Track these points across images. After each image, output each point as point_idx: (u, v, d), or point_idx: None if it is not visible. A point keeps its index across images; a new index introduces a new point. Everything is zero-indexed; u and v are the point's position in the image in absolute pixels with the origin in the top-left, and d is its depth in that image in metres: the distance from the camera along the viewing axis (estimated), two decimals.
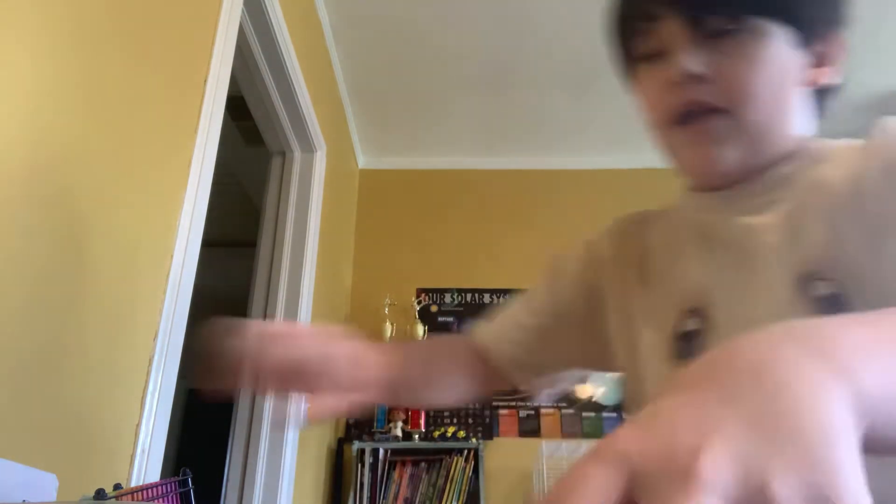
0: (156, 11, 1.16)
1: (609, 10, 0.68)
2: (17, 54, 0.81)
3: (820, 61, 0.61)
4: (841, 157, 0.59)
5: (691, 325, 0.60)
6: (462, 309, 3.01)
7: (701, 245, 0.63)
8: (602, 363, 0.74)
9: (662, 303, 0.64)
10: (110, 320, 1.01)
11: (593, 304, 0.72)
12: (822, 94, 0.64)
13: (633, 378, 0.67)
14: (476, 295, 3.04)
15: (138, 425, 1.07)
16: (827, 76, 0.62)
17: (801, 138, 0.62)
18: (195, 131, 1.30)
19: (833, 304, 0.52)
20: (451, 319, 3.00)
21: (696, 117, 0.59)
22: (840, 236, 0.54)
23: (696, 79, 0.57)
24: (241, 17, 1.63)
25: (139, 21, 1.11)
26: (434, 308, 3.02)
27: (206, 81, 1.35)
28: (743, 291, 0.58)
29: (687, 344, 0.59)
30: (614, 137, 3.14)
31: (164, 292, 1.17)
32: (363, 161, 3.32)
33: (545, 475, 2.53)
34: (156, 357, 1.12)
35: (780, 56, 0.58)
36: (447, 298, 3.03)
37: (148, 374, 1.11)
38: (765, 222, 0.59)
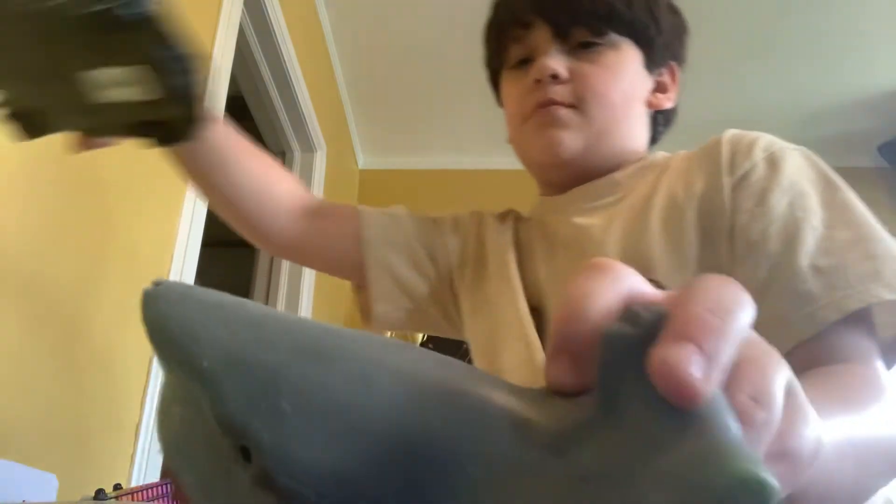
0: None
1: (487, 19, 0.75)
2: None
3: (660, 88, 0.70)
4: (672, 166, 0.64)
5: (535, 315, 0.63)
6: None
7: (544, 245, 0.68)
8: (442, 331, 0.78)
9: (510, 298, 0.66)
10: (110, 320, 1.01)
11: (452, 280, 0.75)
12: (658, 118, 0.71)
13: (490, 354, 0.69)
14: None
15: (138, 425, 1.07)
16: (664, 102, 0.70)
17: (636, 151, 0.68)
18: None
19: None
20: None
21: (546, 107, 0.64)
22: (674, 237, 0.57)
23: (555, 79, 0.63)
24: (241, 17, 1.63)
25: None
26: None
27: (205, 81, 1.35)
28: None
29: (537, 321, 0.63)
30: None
31: None
32: (363, 161, 3.32)
33: None
34: (156, 357, 1.12)
35: (630, 70, 0.66)
36: None
37: (148, 374, 1.11)
38: (594, 223, 0.64)
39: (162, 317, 0.21)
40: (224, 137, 0.66)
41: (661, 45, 0.68)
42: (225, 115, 1.43)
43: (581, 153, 0.65)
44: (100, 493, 0.71)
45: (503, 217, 0.78)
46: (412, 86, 2.85)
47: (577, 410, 0.18)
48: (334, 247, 0.74)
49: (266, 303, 2.20)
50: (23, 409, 0.80)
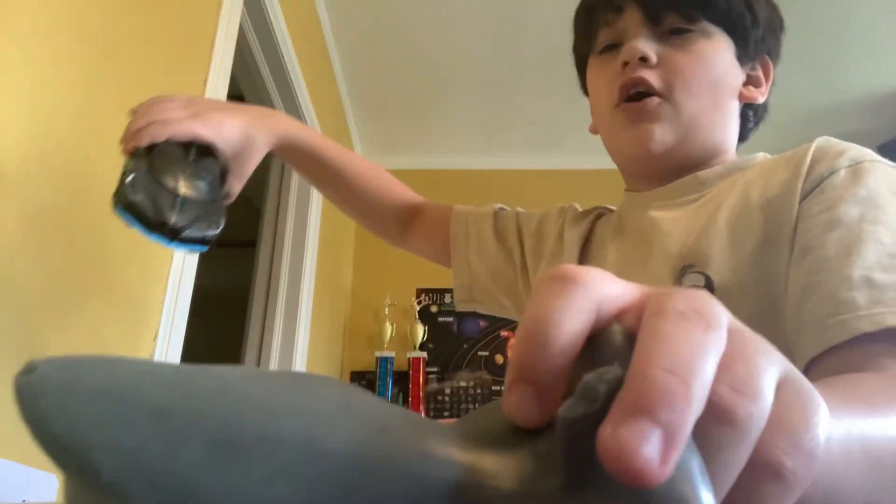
0: (155, 12, 1.16)
1: (580, 2, 0.74)
2: (17, 55, 0.81)
3: (752, 82, 0.68)
4: (757, 166, 0.63)
5: None
6: None
7: (616, 236, 0.69)
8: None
9: None
10: (110, 320, 1.01)
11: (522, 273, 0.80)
12: (748, 113, 0.70)
13: None
14: None
15: None
16: (756, 96, 0.68)
17: (725, 146, 0.67)
18: None
19: None
20: (450, 319, 3.00)
21: (637, 98, 0.63)
22: (736, 236, 0.57)
23: (645, 61, 0.62)
24: (241, 17, 1.62)
25: (139, 21, 1.11)
26: (434, 308, 3.02)
27: (206, 81, 1.35)
28: (637, 277, 0.60)
29: None
30: None
31: (164, 292, 1.17)
32: None
33: None
34: (156, 357, 1.12)
35: (722, 60, 0.64)
36: (447, 298, 3.03)
37: None
38: (668, 216, 0.64)
39: (44, 419, 0.17)
40: (337, 153, 0.80)
41: (756, 37, 0.66)
42: None
43: (672, 146, 0.63)
44: None
45: (587, 213, 0.79)
46: (412, 86, 2.85)
47: (539, 471, 0.17)
48: (430, 241, 0.88)
49: (266, 301, 2.20)
50: None
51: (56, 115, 0.88)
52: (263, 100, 2.11)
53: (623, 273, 0.63)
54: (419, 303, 2.98)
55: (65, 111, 0.90)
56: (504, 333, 2.98)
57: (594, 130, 0.76)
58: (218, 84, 1.39)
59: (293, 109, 2.17)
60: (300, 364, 2.14)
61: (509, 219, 0.85)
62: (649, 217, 0.65)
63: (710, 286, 0.55)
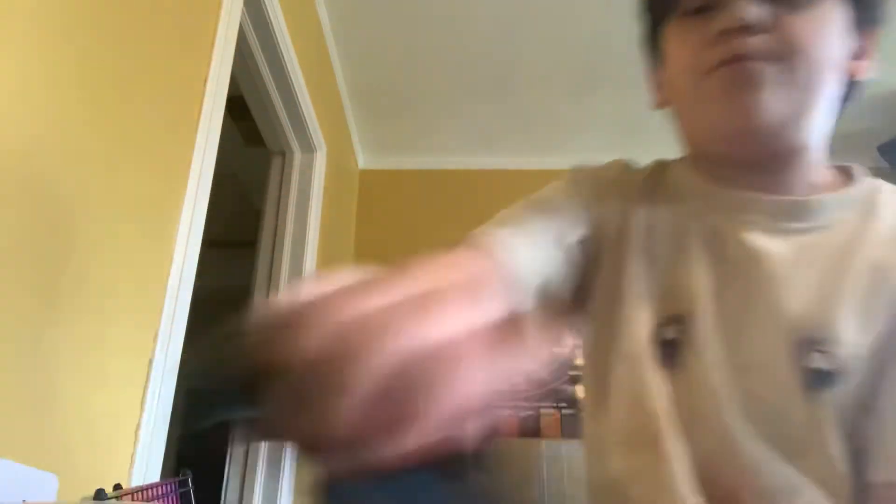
0: (155, 11, 1.16)
1: None
2: (16, 56, 0.81)
3: (858, 54, 0.58)
4: (873, 200, 0.55)
5: (670, 333, 0.54)
6: None
7: (707, 251, 0.56)
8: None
9: (651, 293, 0.57)
10: (110, 320, 1.01)
11: (588, 260, 0.60)
12: (848, 89, 0.60)
13: (600, 362, 0.59)
14: None
15: (138, 425, 1.07)
16: (861, 71, 0.59)
17: (823, 139, 0.58)
18: (195, 131, 1.30)
19: (824, 382, 0.48)
20: None
21: (740, 61, 0.52)
22: (867, 315, 0.49)
23: (752, 28, 0.52)
24: (241, 17, 1.62)
25: (139, 21, 1.11)
26: None
27: (206, 81, 1.35)
28: (736, 325, 0.53)
29: (668, 351, 0.54)
30: (614, 137, 3.14)
31: (164, 292, 1.17)
32: (363, 161, 3.32)
33: (546, 476, 2.53)
34: (156, 357, 1.12)
35: (836, 26, 0.55)
36: None
37: (148, 374, 1.10)
38: (778, 251, 0.53)
39: None
40: None
41: (872, 3, 0.57)
42: (225, 116, 1.43)
43: (783, 121, 0.53)
44: (100, 493, 0.71)
45: (625, 183, 0.64)
46: (412, 86, 2.85)
47: None
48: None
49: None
50: (23, 409, 0.80)
51: (55, 113, 0.88)
52: (264, 100, 2.11)
53: (715, 309, 0.52)
54: None
55: (64, 110, 0.90)
56: None
57: (662, 104, 0.64)
58: (218, 84, 1.39)
59: (293, 109, 2.17)
60: None
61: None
62: (752, 246, 0.54)
63: (832, 373, 0.48)
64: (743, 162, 0.57)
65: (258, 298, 2.22)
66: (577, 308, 0.61)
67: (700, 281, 0.55)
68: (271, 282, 2.23)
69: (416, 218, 3.21)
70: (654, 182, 0.64)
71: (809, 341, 0.49)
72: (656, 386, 0.52)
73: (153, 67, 1.15)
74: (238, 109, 2.27)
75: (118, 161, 1.03)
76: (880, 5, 0.58)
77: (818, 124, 0.56)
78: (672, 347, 0.54)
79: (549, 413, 2.81)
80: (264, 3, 1.75)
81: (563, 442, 2.66)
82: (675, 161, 0.66)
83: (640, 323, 0.55)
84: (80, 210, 0.94)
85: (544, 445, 2.60)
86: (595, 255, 0.60)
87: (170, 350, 1.16)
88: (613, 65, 2.68)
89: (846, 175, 0.60)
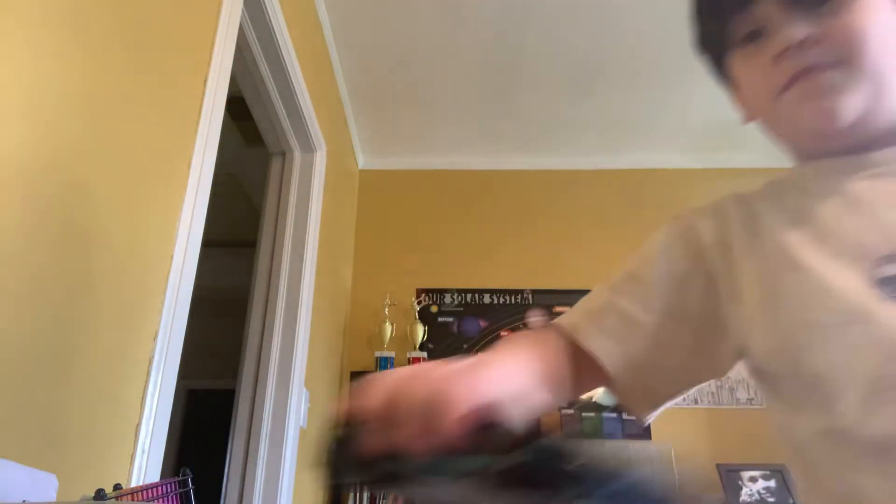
0: (156, 11, 1.16)
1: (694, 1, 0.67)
2: (17, 55, 0.81)
3: None
4: None
5: (891, 270, 0.52)
6: (462, 309, 3.01)
7: (872, 192, 0.57)
8: (703, 372, 0.66)
9: (838, 249, 0.56)
10: (110, 320, 1.01)
11: (710, 293, 0.63)
12: None
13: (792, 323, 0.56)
14: (476, 295, 3.04)
15: (138, 425, 1.07)
16: None
17: None
18: (195, 131, 1.30)
19: None
20: (451, 319, 3.00)
21: (806, 75, 0.56)
22: None
23: (803, 45, 0.56)
24: (241, 17, 1.63)
25: (139, 21, 1.11)
26: (434, 308, 3.02)
27: (206, 81, 1.35)
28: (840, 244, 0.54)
29: (891, 287, 0.52)
30: (614, 137, 3.14)
31: (164, 292, 1.17)
32: (363, 161, 3.32)
33: None
34: (156, 357, 1.12)
35: (881, 10, 0.57)
36: (447, 298, 3.03)
37: (148, 374, 1.11)
38: (886, 188, 0.56)
39: None
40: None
41: None
42: (225, 116, 1.43)
43: (863, 112, 0.57)
44: (100, 493, 0.71)
45: (720, 211, 0.66)
46: (412, 86, 2.85)
47: None
48: (590, 386, 0.67)
49: (266, 303, 2.20)
50: (23, 409, 0.81)
51: (56, 113, 0.88)
52: (264, 100, 2.11)
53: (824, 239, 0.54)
54: (419, 303, 2.98)
55: (64, 110, 0.90)
56: (504, 333, 2.98)
57: (751, 120, 0.68)
58: (218, 84, 1.39)
59: (293, 109, 2.18)
60: (300, 364, 2.14)
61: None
62: (857, 186, 0.57)
63: None
64: (841, 151, 0.60)
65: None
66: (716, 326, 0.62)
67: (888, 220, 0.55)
68: (271, 282, 2.23)
69: (416, 218, 3.21)
70: (776, 188, 0.66)
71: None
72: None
73: (153, 67, 1.15)
74: (238, 109, 2.27)
75: (118, 161, 1.03)
76: None
77: None
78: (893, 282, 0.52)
79: (548, 413, 2.81)
80: (264, 3, 1.75)
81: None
82: (784, 172, 0.68)
83: (845, 278, 0.54)
84: (80, 208, 0.94)
85: None
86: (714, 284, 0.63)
87: (170, 350, 1.16)
88: (613, 65, 2.69)
89: None
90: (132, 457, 1.05)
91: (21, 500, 0.70)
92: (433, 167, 3.31)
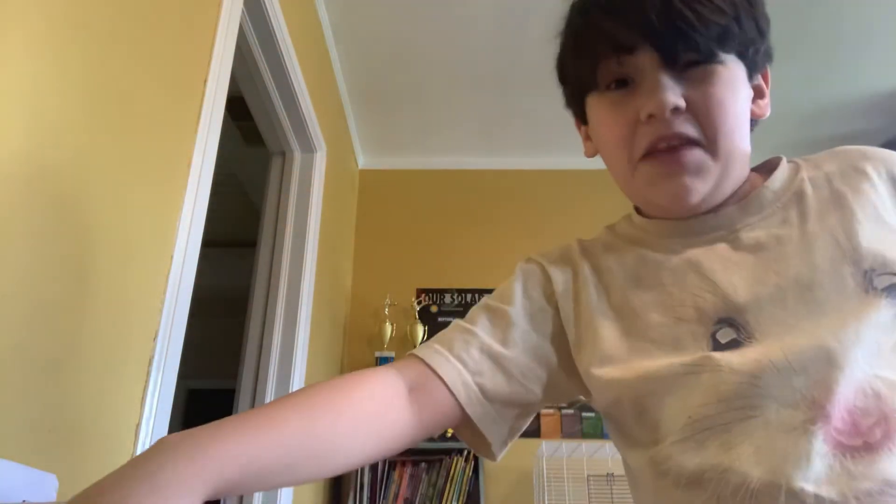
0: (156, 11, 1.16)
1: (567, 31, 0.70)
2: (18, 55, 0.81)
3: (758, 94, 0.65)
4: (805, 165, 0.64)
5: (726, 336, 0.56)
6: (462, 309, 3.01)
7: (727, 251, 0.61)
8: (552, 402, 0.69)
9: (689, 306, 0.59)
10: (110, 320, 1.01)
11: (561, 336, 0.67)
12: (752, 124, 0.66)
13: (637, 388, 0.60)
14: (476, 295, 3.04)
15: (138, 425, 1.07)
16: (765, 109, 0.66)
17: (746, 169, 0.65)
18: (195, 131, 1.30)
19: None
20: (451, 319, 2.99)
21: (671, 149, 0.59)
22: (875, 230, 0.57)
23: (674, 112, 0.58)
24: (241, 17, 1.62)
25: (139, 21, 1.11)
26: (434, 308, 3.02)
27: (206, 81, 1.35)
28: (802, 300, 0.56)
29: (725, 342, 0.57)
30: None
31: (164, 292, 1.17)
32: (363, 161, 3.32)
33: (545, 475, 2.53)
34: (156, 357, 1.12)
35: (740, 86, 0.61)
36: (447, 298, 3.03)
37: (148, 374, 1.11)
38: (782, 234, 0.59)
39: None
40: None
41: (762, 51, 0.64)
42: (225, 116, 1.43)
43: (708, 194, 0.61)
44: None
45: (563, 260, 0.71)
46: (412, 86, 2.85)
47: None
48: (440, 420, 0.62)
49: (266, 303, 2.20)
50: (23, 409, 0.81)
51: (55, 114, 0.88)
52: (264, 100, 2.11)
53: (771, 299, 0.56)
54: (419, 303, 2.98)
55: (64, 110, 0.90)
56: None
57: (592, 154, 0.73)
58: (218, 84, 1.39)
59: (293, 109, 2.18)
60: (300, 364, 2.14)
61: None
62: (757, 236, 0.60)
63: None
64: (685, 217, 0.64)
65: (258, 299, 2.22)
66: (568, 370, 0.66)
67: (734, 281, 0.58)
68: (271, 282, 2.23)
69: (416, 218, 3.21)
70: (617, 241, 0.71)
71: (871, 271, 0.55)
72: (726, 362, 0.54)
73: (153, 67, 1.15)
74: (238, 109, 2.27)
75: (118, 161, 1.03)
76: (767, 41, 0.64)
77: (740, 171, 0.63)
78: (732, 345, 0.56)
79: (549, 413, 2.81)
80: (264, 3, 1.75)
81: (562, 441, 2.66)
82: (624, 223, 0.73)
83: (686, 337, 0.58)
84: (80, 209, 0.94)
85: (544, 445, 2.60)
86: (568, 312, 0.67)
87: (170, 350, 1.16)
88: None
89: (769, 166, 0.67)
90: (132, 456, 1.04)
91: (21, 500, 0.70)
92: (433, 167, 3.31)
